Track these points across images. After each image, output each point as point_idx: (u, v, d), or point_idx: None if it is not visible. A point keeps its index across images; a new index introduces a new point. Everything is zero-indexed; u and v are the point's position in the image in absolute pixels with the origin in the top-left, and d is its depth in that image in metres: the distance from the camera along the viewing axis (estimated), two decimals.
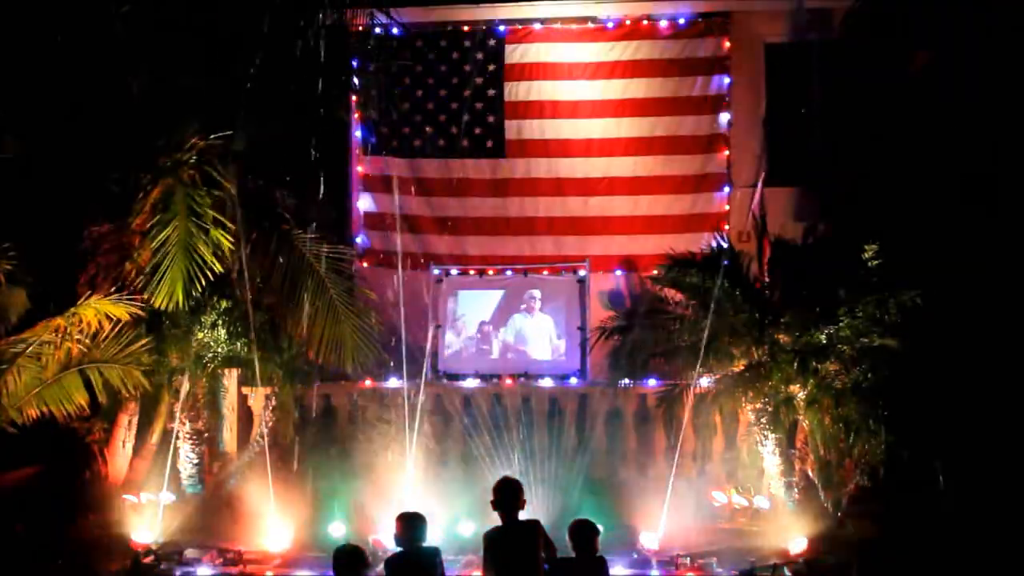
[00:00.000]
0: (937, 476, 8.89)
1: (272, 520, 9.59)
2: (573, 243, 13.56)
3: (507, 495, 6.14)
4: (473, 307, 13.31)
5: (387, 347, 10.84)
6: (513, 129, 13.76)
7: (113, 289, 9.35)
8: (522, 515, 6.16)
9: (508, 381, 12.00)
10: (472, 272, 13.53)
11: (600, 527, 6.18)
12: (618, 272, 13.47)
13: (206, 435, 10.79)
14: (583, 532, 6.07)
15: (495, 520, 6.19)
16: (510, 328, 13.10)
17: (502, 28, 13.74)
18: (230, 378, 11.05)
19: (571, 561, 6.05)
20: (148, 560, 8.88)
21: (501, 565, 6.03)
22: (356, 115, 13.91)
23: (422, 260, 13.55)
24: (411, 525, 6.03)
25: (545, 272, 13.39)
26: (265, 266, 10.14)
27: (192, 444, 10.57)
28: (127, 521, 9.36)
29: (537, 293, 13.16)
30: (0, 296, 8.78)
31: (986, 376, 8.91)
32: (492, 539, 6.13)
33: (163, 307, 9.23)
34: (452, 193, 13.64)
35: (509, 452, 10.52)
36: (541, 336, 13.11)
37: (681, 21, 13.48)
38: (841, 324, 9.27)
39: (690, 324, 9.99)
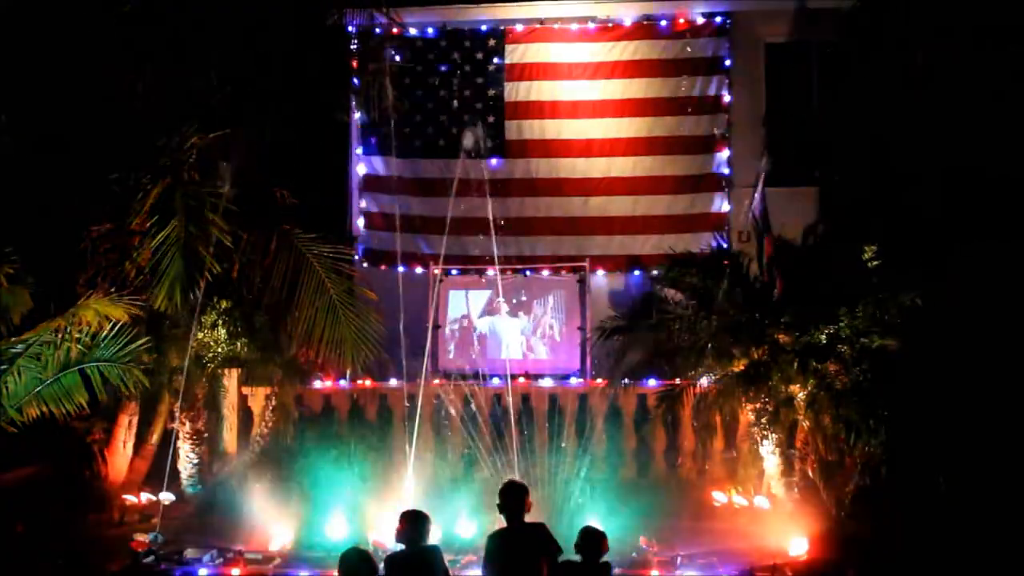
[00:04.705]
0: (937, 476, 8.87)
1: (272, 520, 9.59)
2: (573, 243, 13.57)
3: (512, 499, 6.13)
4: (473, 307, 13.32)
5: (387, 347, 10.83)
6: (513, 129, 13.77)
7: (113, 289, 9.35)
8: (527, 517, 6.16)
9: (508, 381, 11.97)
10: (472, 272, 13.52)
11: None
12: (618, 272, 13.48)
13: (206, 435, 10.79)
14: (590, 539, 6.14)
15: (495, 519, 6.19)
16: (510, 328, 13.09)
17: (502, 28, 13.75)
18: (230, 378, 11.05)
19: (576, 565, 6.07)
20: (148, 560, 8.87)
21: (501, 569, 6.03)
22: (356, 115, 13.91)
23: (422, 260, 13.55)
24: (415, 523, 6.03)
25: (545, 272, 13.39)
26: (265, 266, 10.14)
27: (192, 444, 10.57)
28: (127, 521, 9.36)
29: (537, 293, 13.16)
30: (3, 297, 8.76)
31: (986, 376, 8.90)
32: (495, 542, 6.13)
33: (163, 307, 9.24)
34: (452, 193, 13.62)
35: (509, 452, 10.52)
36: (541, 336, 13.11)
37: (681, 21, 13.50)
38: (841, 324, 9.26)
39: (690, 324, 9.97)
